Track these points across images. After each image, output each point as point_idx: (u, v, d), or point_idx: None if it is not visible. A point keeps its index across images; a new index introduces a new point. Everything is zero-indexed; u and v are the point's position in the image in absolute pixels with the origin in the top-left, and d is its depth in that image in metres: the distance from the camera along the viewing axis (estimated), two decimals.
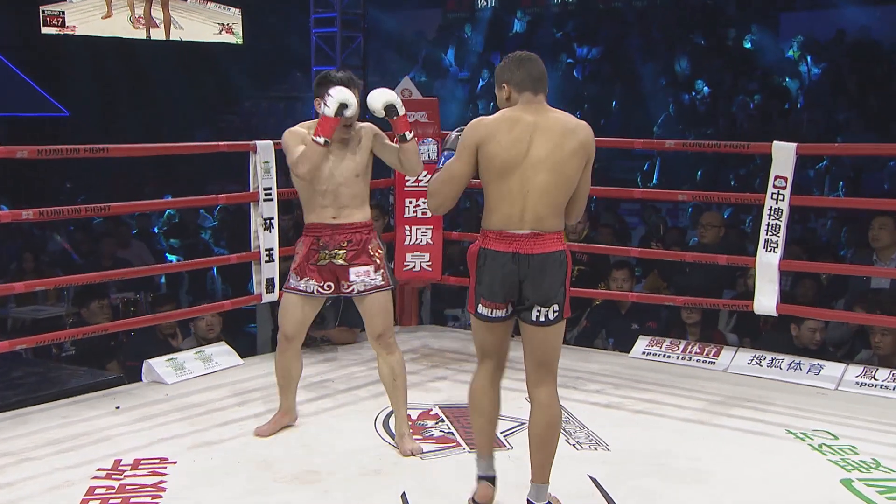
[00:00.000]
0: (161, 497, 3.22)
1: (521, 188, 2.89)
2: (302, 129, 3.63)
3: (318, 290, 3.68)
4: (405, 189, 5.57)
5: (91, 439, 3.75)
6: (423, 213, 5.57)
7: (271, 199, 4.90)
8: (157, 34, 11.95)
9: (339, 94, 3.45)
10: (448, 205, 3.04)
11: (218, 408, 4.19)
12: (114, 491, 3.24)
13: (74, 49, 13.11)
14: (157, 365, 4.61)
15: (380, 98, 3.50)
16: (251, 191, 4.87)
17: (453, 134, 3.08)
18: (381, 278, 3.67)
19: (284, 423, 3.89)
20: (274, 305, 5.74)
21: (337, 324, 5.33)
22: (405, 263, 5.60)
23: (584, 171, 2.96)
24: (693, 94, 12.34)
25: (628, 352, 5.13)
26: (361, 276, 3.63)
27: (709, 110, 11.93)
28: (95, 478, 3.34)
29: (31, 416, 4.01)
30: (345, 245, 3.62)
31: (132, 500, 3.19)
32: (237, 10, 12.56)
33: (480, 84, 14.17)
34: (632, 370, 4.83)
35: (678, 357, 4.96)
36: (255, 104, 15.74)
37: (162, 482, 3.33)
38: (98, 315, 5.82)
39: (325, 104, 3.45)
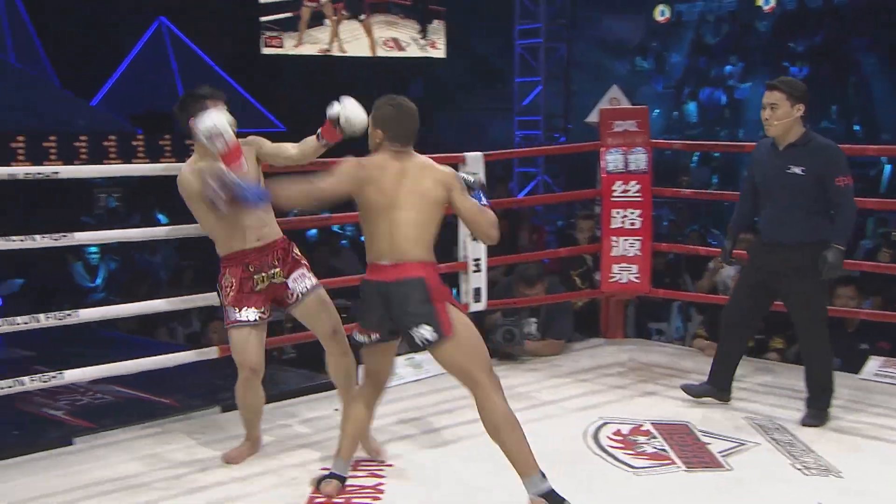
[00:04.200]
0: (380, 499, 3.31)
1: (390, 226, 3.21)
2: (198, 163, 3.48)
3: (259, 317, 3.54)
4: (612, 199, 5.48)
5: (314, 439, 3.91)
6: (632, 224, 5.46)
7: None
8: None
9: (220, 124, 3.32)
10: (303, 205, 3.32)
11: (431, 413, 4.27)
12: None
13: (290, 68, 13.90)
14: None
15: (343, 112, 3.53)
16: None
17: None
18: (313, 277, 3.66)
19: (252, 453, 3.73)
20: (479, 316, 5.82)
21: (540, 337, 5.31)
22: (611, 275, 5.51)
23: (453, 199, 3.21)
24: None
25: (857, 372, 4.78)
26: (298, 280, 3.61)
27: None
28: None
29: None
30: (276, 263, 3.58)
31: (353, 500, 3.30)
32: (441, 24, 12.85)
33: (686, 91, 13.78)
34: (863, 392, 4.50)
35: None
36: (451, 118, 16.06)
37: (380, 484, 3.42)
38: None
39: (218, 140, 3.31)
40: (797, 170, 3.92)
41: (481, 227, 3.24)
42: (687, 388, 4.37)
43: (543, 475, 3.11)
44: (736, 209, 4.37)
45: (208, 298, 4.09)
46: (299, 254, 3.69)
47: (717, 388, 4.32)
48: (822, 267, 3.87)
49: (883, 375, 4.68)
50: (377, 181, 3.18)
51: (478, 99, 15.71)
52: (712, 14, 15.20)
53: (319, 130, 3.58)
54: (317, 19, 12.28)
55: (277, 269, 3.56)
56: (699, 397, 4.33)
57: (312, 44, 12.43)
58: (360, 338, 3.28)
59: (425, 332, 3.12)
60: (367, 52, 12.52)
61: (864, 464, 3.61)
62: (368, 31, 12.28)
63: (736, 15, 14.85)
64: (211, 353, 4.08)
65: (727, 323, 4.28)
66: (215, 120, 3.33)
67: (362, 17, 12.31)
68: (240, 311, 3.51)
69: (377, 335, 3.24)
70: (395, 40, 12.55)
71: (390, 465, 3.59)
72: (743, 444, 3.80)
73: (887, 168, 10.34)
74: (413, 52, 12.90)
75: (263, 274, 3.54)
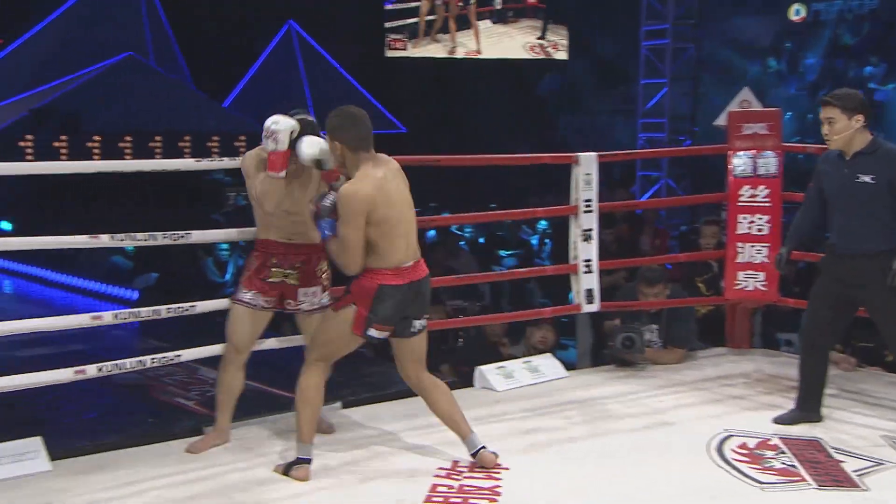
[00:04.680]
0: (496, 501, 3.30)
1: (407, 229, 3.45)
2: (262, 153, 3.58)
3: (262, 305, 3.67)
4: (739, 204, 5.30)
5: (431, 439, 3.91)
6: (759, 230, 5.27)
7: (591, 211, 4.91)
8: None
9: (279, 129, 3.43)
10: (362, 264, 3.38)
11: (547, 416, 4.24)
12: (454, 490, 3.38)
13: (411, 70, 14.08)
14: (489, 372, 4.76)
15: (308, 151, 3.46)
16: (571, 203, 4.90)
17: (327, 202, 3.33)
18: (327, 299, 3.74)
19: (217, 443, 3.76)
20: (595, 318, 5.75)
21: (661, 344, 5.19)
22: (736, 282, 5.33)
23: None
24: None
25: None
26: (309, 296, 3.71)
27: None
28: (437, 476, 3.51)
29: (378, 411, 4.30)
30: (298, 265, 3.64)
31: (470, 500, 3.30)
32: (563, 28, 12.78)
33: (821, 94, 13.24)
34: None
35: None
36: (574, 120, 15.92)
37: (497, 486, 3.42)
38: (434, 320, 6.12)
39: (275, 139, 3.44)
40: (867, 178, 3.90)
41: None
42: (779, 420, 4.17)
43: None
44: (797, 217, 4.31)
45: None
46: (326, 273, 3.76)
47: (808, 411, 4.16)
48: (890, 277, 3.81)
49: None
50: (383, 199, 3.32)
51: (601, 101, 15.53)
52: (852, 13, 14.50)
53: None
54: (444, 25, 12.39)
55: (294, 273, 3.67)
56: (793, 425, 4.12)
57: (440, 44, 12.54)
58: (376, 334, 3.43)
59: (424, 320, 3.51)
60: (510, 55, 12.56)
61: None
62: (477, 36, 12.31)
63: (878, 13, 14.13)
64: (270, 343, 4.12)
65: (808, 343, 4.18)
66: (280, 125, 3.47)
67: (506, 16, 12.32)
68: (248, 292, 3.67)
69: (390, 330, 3.45)
70: (541, 46, 12.55)
71: (507, 469, 3.58)
72: (881, 464, 3.61)
73: None
74: (534, 54, 12.87)
75: (281, 269, 3.66)
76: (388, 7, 12.44)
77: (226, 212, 13.45)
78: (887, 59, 13.21)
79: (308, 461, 3.48)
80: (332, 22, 15.51)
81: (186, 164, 4.41)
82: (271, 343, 4.06)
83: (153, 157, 13.03)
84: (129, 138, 13.09)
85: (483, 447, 3.58)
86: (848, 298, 4.05)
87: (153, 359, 3.80)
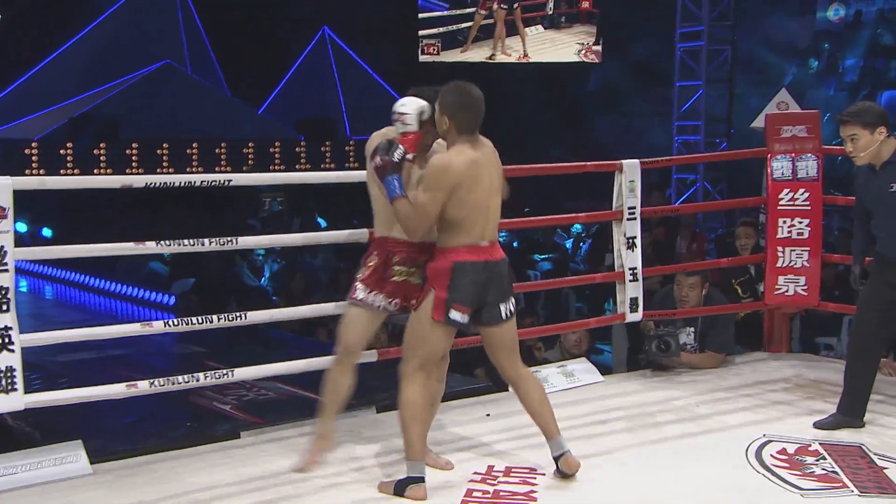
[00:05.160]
0: None
1: (486, 211, 3.35)
2: (389, 133, 3.44)
3: (384, 307, 3.51)
4: (778, 207, 5.24)
5: (466, 444, 3.93)
6: (799, 234, 5.20)
7: (635, 218, 4.86)
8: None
9: (408, 111, 3.34)
10: (427, 232, 3.32)
11: (581, 424, 4.21)
12: (489, 495, 3.38)
13: (444, 75, 14.08)
14: None
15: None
16: (614, 209, 4.87)
17: (396, 156, 3.23)
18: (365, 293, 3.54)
19: (324, 450, 3.60)
20: (631, 325, 5.70)
21: (697, 348, 5.14)
22: (777, 287, 5.26)
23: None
24: None
25: None
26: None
27: None
28: (472, 481, 3.50)
29: None
30: (421, 263, 3.46)
31: None
32: (595, 29, 12.71)
33: (863, 94, 13.05)
34: None
35: None
36: (610, 122, 15.84)
37: (532, 492, 3.40)
38: None
39: (403, 122, 3.34)
40: None
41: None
42: (820, 425, 4.12)
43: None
44: (854, 232, 4.34)
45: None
46: None
47: (851, 416, 4.11)
48: None
49: None
50: (471, 179, 3.25)
51: (637, 103, 15.44)
52: (893, 12, 14.29)
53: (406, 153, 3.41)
54: (487, 31, 12.40)
55: (416, 271, 3.49)
56: (835, 430, 4.06)
57: (480, 49, 12.57)
58: (459, 317, 3.31)
59: (511, 305, 3.40)
60: (566, 59, 12.51)
61: None
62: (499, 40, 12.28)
63: None
64: (370, 355, 4.16)
65: (858, 350, 4.14)
66: (408, 107, 3.37)
67: (559, 21, 12.28)
68: (368, 292, 3.49)
69: (468, 314, 3.33)
70: (594, 50, 12.47)
71: (542, 474, 3.56)
72: None
73: None
74: (569, 57, 12.82)
75: (404, 268, 3.49)
76: (423, 16, 12.46)
77: (262, 217, 13.57)
78: None
79: (422, 479, 3.32)
80: (365, 28, 15.59)
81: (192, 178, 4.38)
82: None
83: (190, 164, 13.17)
84: (166, 145, 13.26)
85: (568, 451, 3.47)
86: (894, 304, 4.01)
87: (206, 375, 3.78)
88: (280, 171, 13.31)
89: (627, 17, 13.86)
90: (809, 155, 5.18)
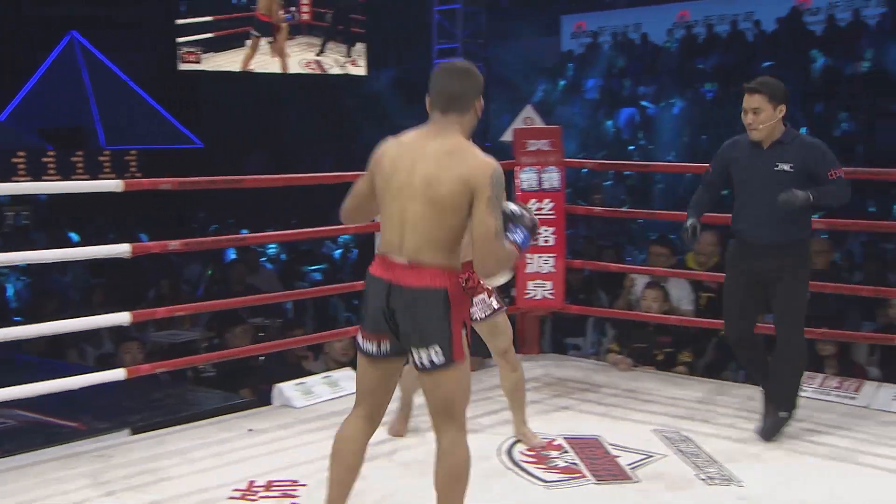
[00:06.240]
0: None
1: (401, 216, 2.70)
2: None
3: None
4: None
5: (226, 460, 3.87)
6: (546, 242, 5.55)
7: None
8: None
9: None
10: (353, 217, 2.94)
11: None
12: None
13: (208, 84, 13.74)
14: (287, 389, 4.73)
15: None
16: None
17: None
18: (496, 302, 3.87)
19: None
20: None
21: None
22: (526, 291, 5.59)
23: (474, 210, 2.63)
24: (830, 119, 11.91)
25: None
26: (478, 304, 3.82)
27: (846, 135, 11.49)
28: (231, 498, 3.46)
29: (170, 436, 4.17)
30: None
31: None
32: (363, 44, 12.90)
33: (602, 111, 14.10)
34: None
35: (814, 391, 4.74)
36: (375, 134, 16.08)
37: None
38: (241, 339, 6.00)
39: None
40: (785, 167, 3.85)
41: (486, 259, 2.66)
42: (762, 433, 4.07)
43: None
44: (697, 196, 4.20)
45: (118, 318, 4.03)
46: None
47: (779, 409, 4.07)
48: (782, 198, 3.75)
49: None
50: (387, 166, 2.75)
51: (402, 116, 15.78)
52: (626, 37, 15.64)
53: None
54: (238, 40, 12.17)
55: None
56: (777, 431, 4.06)
57: (240, 57, 12.34)
58: (362, 343, 2.77)
59: (434, 354, 2.67)
60: (333, 70, 12.52)
61: (765, 472, 3.74)
62: (280, 53, 12.22)
63: (646, 37, 15.32)
64: (118, 374, 3.99)
65: (735, 339, 4.11)
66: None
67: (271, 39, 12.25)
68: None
69: (387, 345, 2.74)
70: (318, 62, 12.54)
71: (304, 485, 3.58)
72: (651, 457, 3.90)
73: None
74: (334, 70, 12.93)
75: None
76: (180, 22, 12.07)
77: (4, 232, 12.60)
78: (657, 80, 14.30)
79: None
80: (120, 34, 14.89)
81: None
82: None
83: None
84: None
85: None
86: (758, 287, 4.00)
87: None
88: (26, 181, 12.39)
89: (391, 32, 14.19)
90: (553, 167, 5.55)
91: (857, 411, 4.52)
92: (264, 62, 12.16)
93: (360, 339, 2.78)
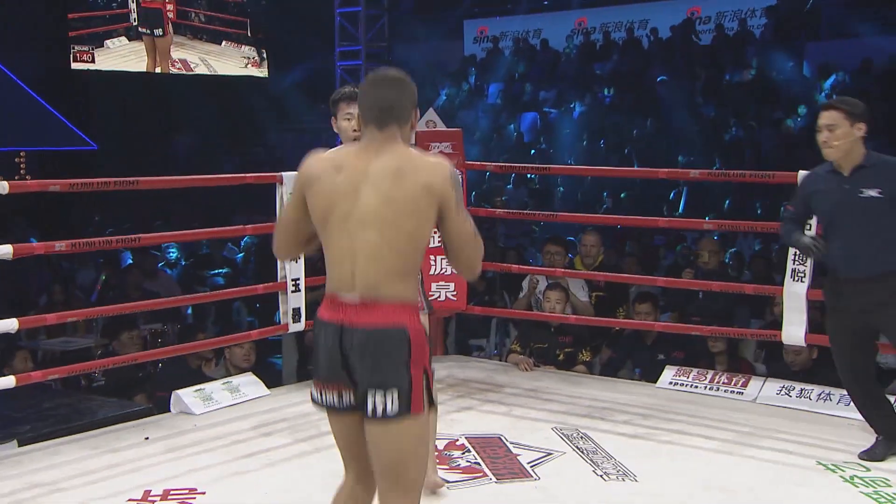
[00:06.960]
0: None
1: (350, 248, 2.38)
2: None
3: None
4: None
5: (121, 470, 3.77)
6: None
7: None
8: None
9: None
10: (288, 250, 2.62)
11: (245, 438, 4.21)
12: None
13: (102, 84, 13.33)
14: (185, 395, 4.64)
15: None
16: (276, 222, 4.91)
17: None
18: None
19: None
20: (299, 336, 5.79)
21: None
22: (430, 293, 5.61)
23: (445, 219, 2.42)
24: (720, 124, 12.34)
25: (655, 382, 5.10)
26: None
27: (735, 140, 11.92)
28: None
29: (62, 447, 4.04)
30: None
31: None
32: (264, 46, 12.77)
33: (504, 115, 14.27)
34: (659, 400, 4.80)
35: (706, 387, 4.92)
36: (280, 136, 15.92)
37: None
38: (129, 346, 5.87)
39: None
40: (872, 192, 3.56)
41: (473, 259, 2.52)
42: (868, 456, 3.88)
43: None
44: (786, 229, 3.93)
45: (4, 325, 3.88)
46: None
47: (891, 438, 3.90)
48: None
49: (676, 383, 5.01)
50: (323, 192, 2.41)
51: (306, 118, 15.66)
52: (526, 42, 15.88)
53: None
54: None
55: None
56: (884, 459, 3.86)
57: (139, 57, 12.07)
58: (317, 395, 2.45)
59: (392, 402, 2.33)
60: (234, 72, 12.36)
61: (659, 467, 3.85)
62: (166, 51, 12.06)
63: (546, 42, 15.61)
64: (7, 382, 3.85)
65: (850, 382, 3.88)
66: None
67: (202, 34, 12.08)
68: None
69: (350, 395, 2.39)
70: (184, 61, 12.45)
71: (203, 493, 3.52)
72: (550, 454, 3.97)
73: (685, 190, 11.15)
74: (235, 70, 12.76)
75: None
76: (73, 16, 11.70)
77: None
78: (556, 85, 14.58)
79: None
80: (7, 32, 14.28)
81: None
82: None
83: None
84: None
85: None
86: (864, 325, 3.75)
87: None
88: None
89: (294, 33, 14.06)
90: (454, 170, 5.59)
91: (745, 405, 4.70)
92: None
93: (315, 393, 2.44)
